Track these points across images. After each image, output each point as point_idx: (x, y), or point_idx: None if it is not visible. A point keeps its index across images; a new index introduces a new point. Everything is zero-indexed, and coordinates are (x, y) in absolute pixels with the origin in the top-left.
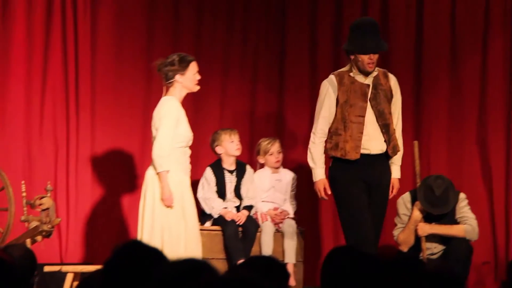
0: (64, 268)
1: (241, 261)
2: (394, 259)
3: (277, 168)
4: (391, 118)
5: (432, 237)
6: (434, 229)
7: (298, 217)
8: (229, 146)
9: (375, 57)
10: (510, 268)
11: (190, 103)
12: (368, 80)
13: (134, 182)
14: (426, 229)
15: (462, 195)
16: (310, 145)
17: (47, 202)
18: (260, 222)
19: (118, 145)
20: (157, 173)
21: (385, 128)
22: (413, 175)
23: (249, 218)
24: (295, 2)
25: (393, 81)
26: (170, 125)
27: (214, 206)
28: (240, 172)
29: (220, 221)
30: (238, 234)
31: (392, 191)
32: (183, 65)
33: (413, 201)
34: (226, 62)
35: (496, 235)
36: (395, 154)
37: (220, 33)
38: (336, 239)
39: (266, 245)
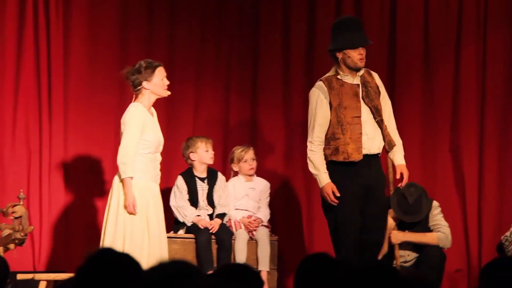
0: (37, 276)
1: (209, 272)
2: (368, 266)
3: (251, 176)
4: (383, 115)
5: (405, 245)
6: (407, 237)
7: (271, 224)
8: (204, 154)
9: (364, 51)
10: (483, 275)
11: (163, 110)
12: (356, 80)
13: (107, 189)
14: (399, 236)
15: (435, 203)
16: (309, 154)
17: (19, 210)
18: (233, 229)
19: (91, 152)
20: (121, 180)
21: (381, 124)
22: (386, 183)
23: (222, 226)
24: (268, 9)
25: (376, 77)
26: (134, 132)
27: (187, 214)
28: (211, 179)
29: (193, 229)
30: (211, 242)
31: (403, 178)
32: (149, 72)
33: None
34: (200, 70)
35: (469, 242)
36: (392, 149)
37: (193, 41)
38: (309, 246)
39: (239, 253)
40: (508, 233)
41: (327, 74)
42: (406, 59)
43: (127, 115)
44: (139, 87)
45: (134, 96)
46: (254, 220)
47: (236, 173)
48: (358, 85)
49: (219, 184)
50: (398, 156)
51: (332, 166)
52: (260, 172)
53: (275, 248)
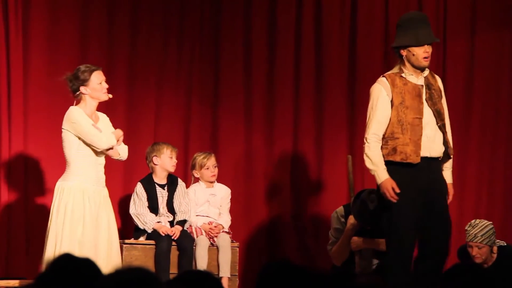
0: None
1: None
2: (328, 273)
3: (212, 182)
4: (445, 119)
5: (366, 251)
6: (368, 243)
7: (232, 231)
8: (167, 160)
9: (430, 49)
10: (442, 281)
11: (123, 116)
12: (420, 80)
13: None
14: (359, 243)
15: None
16: (366, 150)
17: None
18: (195, 236)
19: (49, 157)
20: (114, 151)
21: (443, 128)
22: (347, 189)
23: (184, 233)
24: (229, 15)
25: (439, 80)
26: (86, 123)
27: (147, 221)
28: (171, 186)
29: (154, 235)
30: (171, 249)
31: (449, 197)
32: (86, 76)
33: (347, 215)
34: (161, 75)
35: None
36: (450, 157)
37: (155, 46)
38: (270, 253)
39: (200, 259)
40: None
41: (391, 71)
42: (367, 64)
43: (70, 116)
44: (78, 93)
45: (75, 102)
46: (215, 227)
47: (197, 180)
48: (422, 86)
49: (179, 191)
50: (447, 174)
51: (389, 167)
52: (221, 178)
53: (236, 254)
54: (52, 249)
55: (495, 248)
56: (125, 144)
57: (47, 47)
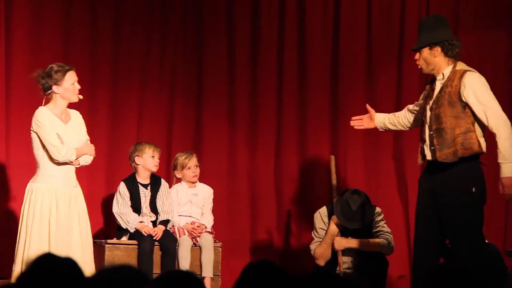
0: None
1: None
2: (311, 273)
3: (194, 182)
4: (451, 122)
5: (348, 251)
6: (350, 243)
7: (215, 231)
8: (149, 160)
9: (417, 56)
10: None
11: (106, 116)
12: (440, 82)
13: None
14: (342, 243)
15: (378, 209)
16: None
17: None
18: (177, 236)
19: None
20: (74, 161)
21: (437, 132)
22: (330, 189)
23: (166, 233)
24: (212, 14)
25: (465, 80)
26: (50, 130)
27: (130, 220)
28: (154, 186)
29: (136, 235)
30: (153, 249)
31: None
32: (60, 75)
33: (329, 215)
34: (144, 75)
35: (411, 249)
36: (455, 159)
37: (138, 46)
38: (253, 253)
39: (183, 259)
40: None
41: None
42: (349, 66)
43: (37, 118)
44: (49, 91)
45: (44, 100)
46: (198, 227)
47: (179, 180)
48: (434, 89)
49: (162, 191)
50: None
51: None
52: (204, 178)
53: (218, 254)
54: (22, 250)
55: None
56: (108, 143)
57: (30, 47)
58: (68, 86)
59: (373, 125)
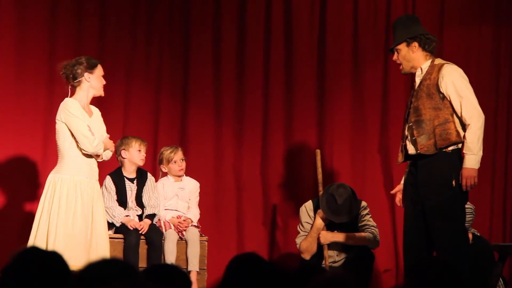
0: None
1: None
2: (297, 267)
3: (180, 176)
4: (430, 113)
5: (334, 245)
6: (336, 237)
7: (201, 225)
8: (135, 154)
9: (394, 56)
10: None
11: None
12: (419, 78)
13: (36, 188)
14: (328, 237)
15: (363, 203)
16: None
17: None
18: (163, 230)
19: (19, 151)
20: (99, 155)
21: (417, 124)
22: (316, 183)
23: (152, 226)
24: (198, 9)
25: (443, 71)
26: (81, 120)
27: (115, 214)
28: (141, 180)
29: (122, 229)
30: (139, 243)
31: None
32: (92, 64)
33: (315, 209)
34: (130, 71)
35: (397, 243)
36: (436, 150)
37: (123, 41)
38: (239, 246)
39: (169, 253)
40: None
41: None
42: (336, 61)
43: (68, 107)
44: (80, 79)
45: (70, 90)
46: (184, 220)
47: (165, 174)
48: (414, 84)
49: (148, 185)
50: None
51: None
52: (190, 172)
53: (204, 248)
54: (43, 242)
55: (470, 235)
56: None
57: (15, 44)
58: (99, 76)
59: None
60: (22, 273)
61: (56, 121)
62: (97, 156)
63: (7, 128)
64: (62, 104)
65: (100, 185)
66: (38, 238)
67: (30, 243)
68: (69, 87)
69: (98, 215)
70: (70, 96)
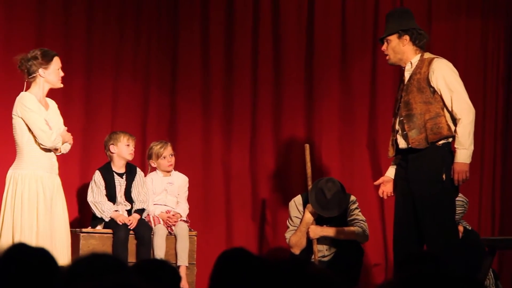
0: None
1: None
2: (285, 261)
3: (169, 171)
4: (421, 108)
5: (323, 240)
6: (325, 232)
7: (190, 219)
8: (124, 148)
9: (384, 46)
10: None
11: (80, 105)
12: (408, 72)
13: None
14: (317, 231)
15: (352, 198)
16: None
17: None
18: (152, 225)
19: (4, 149)
20: (57, 148)
21: (408, 118)
22: (305, 177)
23: (141, 221)
24: (187, 3)
25: (434, 66)
26: (37, 114)
27: (104, 209)
28: (130, 175)
29: (111, 224)
30: (128, 238)
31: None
32: (47, 59)
33: (304, 204)
34: (118, 65)
35: (386, 237)
36: (427, 144)
37: (112, 35)
38: (228, 241)
39: (158, 248)
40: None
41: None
42: (324, 54)
43: (24, 102)
44: (34, 75)
45: (25, 84)
46: (173, 215)
47: (154, 169)
48: (404, 80)
49: (137, 180)
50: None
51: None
52: (179, 166)
53: (194, 243)
54: (9, 239)
55: (461, 227)
56: (82, 132)
57: (2, 37)
58: (54, 70)
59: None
60: (9, 270)
61: (13, 116)
62: (56, 149)
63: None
64: (18, 99)
65: (66, 178)
66: (3, 236)
67: (0, 240)
68: (25, 81)
69: (57, 210)
70: (26, 90)
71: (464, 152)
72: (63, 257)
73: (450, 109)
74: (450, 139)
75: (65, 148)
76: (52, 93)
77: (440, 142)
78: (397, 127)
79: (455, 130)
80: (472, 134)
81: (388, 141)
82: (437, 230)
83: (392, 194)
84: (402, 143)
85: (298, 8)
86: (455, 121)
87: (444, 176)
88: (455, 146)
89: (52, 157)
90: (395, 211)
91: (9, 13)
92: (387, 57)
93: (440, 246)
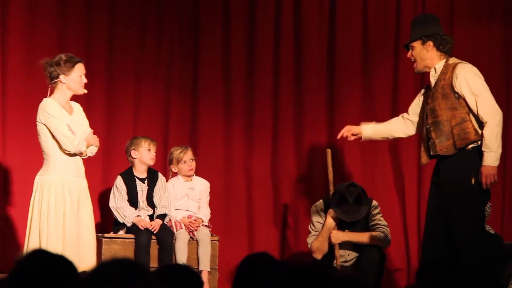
0: None
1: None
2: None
3: (190, 176)
4: (446, 114)
5: (345, 245)
6: (347, 237)
7: (212, 224)
8: (145, 153)
9: (408, 53)
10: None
11: (102, 109)
12: (433, 78)
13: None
14: (339, 236)
15: (374, 203)
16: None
17: None
18: (174, 230)
19: (30, 155)
20: (82, 152)
21: (434, 125)
22: (326, 182)
23: (163, 226)
24: (208, 8)
25: (457, 71)
26: (60, 120)
27: (126, 215)
28: (151, 180)
29: (133, 229)
30: (150, 243)
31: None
32: (69, 66)
33: (326, 209)
34: (140, 69)
35: (408, 242)
36: (456, 151)
37: (133, 39)
38: (250, 246)
39: (180, 253)
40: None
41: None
42: (346, 61)
43: (46, 108)
44: (56, 80)
45: (49, 89)
46: (195, 220)
47: (175, 174)
48: (430, 84)
49: (159, 185)
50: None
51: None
52: (200, 171)
53: (215, 248)
54: (36, 244)
55: None
56: (104, 137)
57: (25, 41)
58: (76, 77)
59: (358, 131)
60: (29, 276)
61: (37, 122)
62: (81, 153)
63: (17, 122)
64: (40, 105)
65: (87, 183)
66: (30, 241)
67: (27, 246)
68: (49, 86)
69: (84, 214)
70: (49, 95)
71: (491, 155)
72: (89, 261)
73: (476, 113)
74: (479, 142)
75: (92, 151)
76: (74, 97)
77: (470, 147)
78: (426, 134)
79: (481, 134)
80: (500, 136)
81: (410, 146)
82: (466, 235)
83: (357, 135)
84: (432, 150)
85: (320, 14)
86: (481, 124)
87: (473, 180)
88: (482, 149)
89: (78, 161)
90: (426, 215)
91: (31, 20)
92: (414, 65)
93: (468, 251)
